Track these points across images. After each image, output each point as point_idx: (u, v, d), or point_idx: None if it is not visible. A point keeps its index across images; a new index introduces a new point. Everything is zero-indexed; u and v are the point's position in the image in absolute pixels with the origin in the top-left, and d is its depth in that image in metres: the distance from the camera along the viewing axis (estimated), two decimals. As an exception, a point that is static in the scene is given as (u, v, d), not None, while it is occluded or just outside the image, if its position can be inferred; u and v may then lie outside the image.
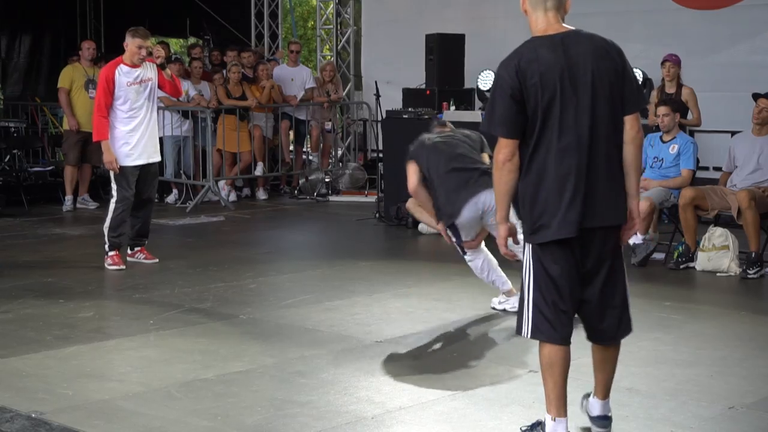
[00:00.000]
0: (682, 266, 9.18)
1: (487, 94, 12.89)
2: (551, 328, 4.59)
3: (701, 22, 13.07)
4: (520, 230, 4.75)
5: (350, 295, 8.00)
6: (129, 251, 9.51)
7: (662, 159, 9.72)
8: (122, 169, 9.23)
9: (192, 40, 19.78)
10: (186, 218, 12.68)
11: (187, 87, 14.07)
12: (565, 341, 4.60)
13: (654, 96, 11.10)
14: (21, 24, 19.44)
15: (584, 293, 4.61)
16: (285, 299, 7.72)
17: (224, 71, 14.69)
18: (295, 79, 15.15)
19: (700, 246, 9.12)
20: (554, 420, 4.61)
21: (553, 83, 4.42)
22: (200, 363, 6.17)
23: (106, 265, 9.20)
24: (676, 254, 9.28)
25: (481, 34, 14.62)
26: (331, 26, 18.04)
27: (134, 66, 9.28)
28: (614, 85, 4.49)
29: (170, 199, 14.24)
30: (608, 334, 4.73)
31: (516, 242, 4.82)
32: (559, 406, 4.62)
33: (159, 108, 13.56)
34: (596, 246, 4.54)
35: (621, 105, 4.53)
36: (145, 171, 9.36)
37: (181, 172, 14.17)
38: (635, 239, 9.37)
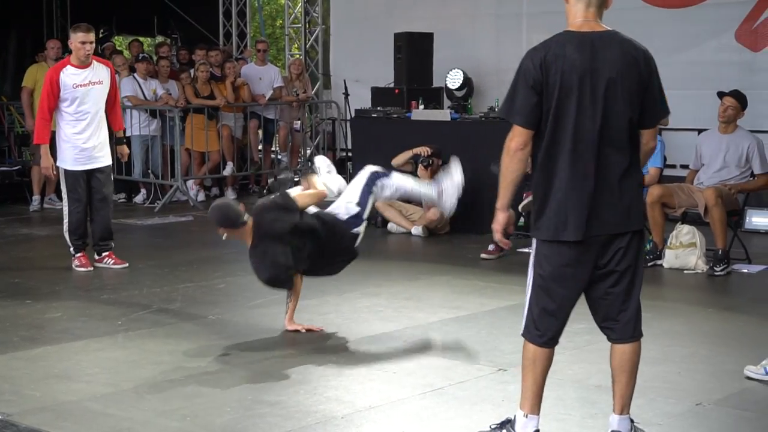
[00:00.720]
0: (649, 264, 9.22)
1: (456, 93, 12.93)
2: (536, 330, 4.62)
3: (668, 21, 13.13)
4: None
5: (320, 294, 7.98)
6: (96, 256, 9.35)
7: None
8: (71, 173, 9.07)
9: (159, 38, 19.70)
10: (154, 218, 12.63)
11: (154, 86, 14.02)
12: (547, 345, 4.62)
13: None
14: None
15: (600, 289, 4.63)
16: (254, 299, 7.69)
17: (191, 70, 14.64)
18: (263, 78, 15.12)
19: (668, 244, 9.18)
20: (526, 416, 4.62)
21: (572, 83, 4.40)
22: (169, 363, 6.15)
23: (73, 266, 9.13)
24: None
25: (450, 33, 14.64)
26: (300, 25, 18.02)
27: (82, 66, 9.04)
28: (635, 94, 4.45)
29: (138, 198, 14.18)
30: (628, 329, 4.75)
31: (510, 232, 4.81)
32: (534, 404, 4.63)
33: (126, 107, 13.61)
34: (608, 250, 4.53)
35: (639, 115, 4.48)
36: (94, 174, 9.17)
37: (149, 171, 14.11)
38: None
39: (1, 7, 18.67)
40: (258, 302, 7.66)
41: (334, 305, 7.67)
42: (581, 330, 6.84)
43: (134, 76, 13.99)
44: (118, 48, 18.67)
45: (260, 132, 15.23)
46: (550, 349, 4.64)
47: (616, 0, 13.98)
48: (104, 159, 9.24)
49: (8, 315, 7.39)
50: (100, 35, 20.02)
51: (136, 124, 13.80)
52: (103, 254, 9.34)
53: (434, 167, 11.11)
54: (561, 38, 4.53)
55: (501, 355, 6.29)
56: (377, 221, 11.66)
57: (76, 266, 9.13)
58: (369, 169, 7.41)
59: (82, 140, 9.06)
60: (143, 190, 14.23)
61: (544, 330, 4.62)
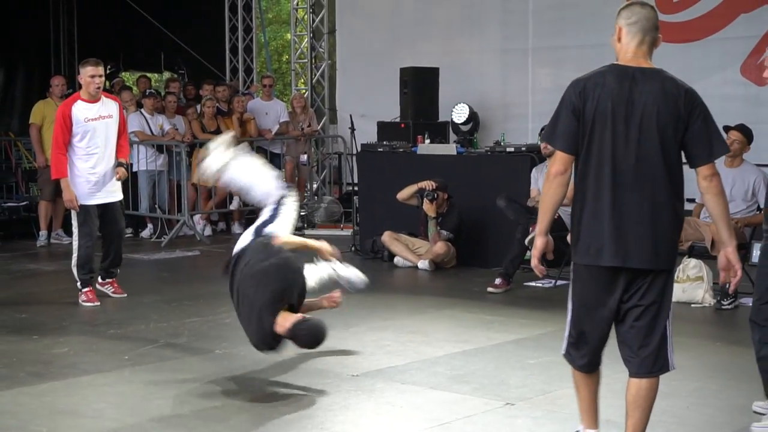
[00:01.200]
0: (656, 297, 9.19)
1: (462, 127, 12.98)
2: (575, 352, 4.75)
3: (673, 55, 13.14)
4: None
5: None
6: (99, 280, 9.42)
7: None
8: (83, 207, 9.09)
9: (166, 74, 19.79)
10: (161, 253, 12.64)
11: (161, 121, 14.07)
12: (585, 369, 4.75)
13: None
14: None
15: (626, 322, 4.69)
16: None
17: (198, 105, 14.70)
18: (269, 112, 15.18)
19: (675, 277, 9.14)
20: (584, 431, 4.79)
21: (607, 114, 4.50)
22: (176, 398, 6.14)
23: (80, 301, 9.14)
24: (650, 286, 9.30)
25: (456, 68, 14.71)
26: (306, 60, 18.10)
27: (92, 101, 9.10)
28: (672, 130, 4.53)
29: (145, 233, 14.20)
30: (647, 364, 4.74)
31: (550, 258, 4.86)
32: (589, 419, 4.84)
33: (133, 142, 13.65)
34: (633, 284, 4.59)
35: (678, 152, 4.60)
36: (107, 209, 9.22)
37: (156, 206, 14.14)
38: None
39: (9, 44, 18.80)
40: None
41: (340, 339, 7.65)
42: (589, 364, 6.83)
43: (141, 112, 14.05)
44: (127, 84, 18.75)
45: (267, 166, 15.23)
46: (589, 373, 4.76)
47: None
48: (116, 193, 9.32)
49: (15, 350, 7.38)
50: (108, 71, 20.15)
51: (143, 159, 13.85)
52: (107, 280, 9.42)
53: (439, 201, 11.13)
54: (604, 69, 4.67)
55: (508, 389, 6.27)
56: (384, 255, 11.67)
57: (83, 301, 9.13)
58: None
59: (94, 174, 9.10)
60: (150, 225, 14.26)
61: (581, 354, 4.73)
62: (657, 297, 4.63)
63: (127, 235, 14.03)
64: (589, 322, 4.68)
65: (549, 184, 4.62)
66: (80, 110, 9.06)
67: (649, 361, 4.71)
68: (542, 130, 10.55)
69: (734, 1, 12.70)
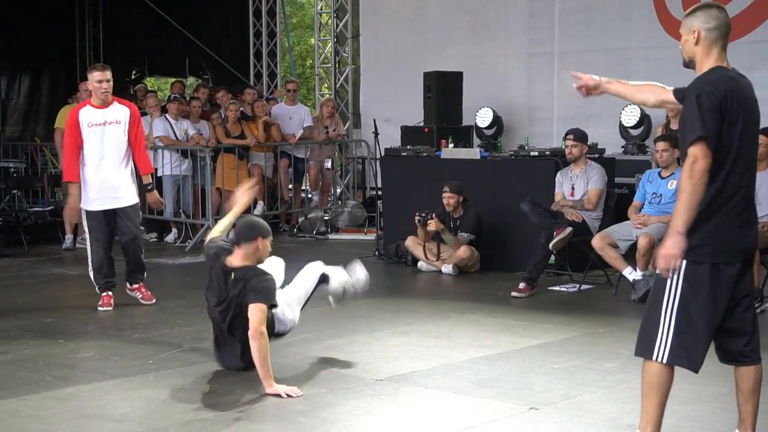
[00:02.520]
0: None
1: (486, 131, 12.97)
2: (688, 355, 4.70)
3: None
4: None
5: (350, 333, 7.98)
6: (128, 285, 9.43)
7: (661, 195, 9.73)
8: (91, 213, 9.09)
9: (191, 79, 19.88)
10: (185, 257, 12.68)
11: (186, 126, 14.12)
12: (698, 369, 4.76)
13: (659, 132, 11.16)
14: (20, 65, 19.55)
15: (734, 318, 4.78)
16: (284, 338, 7.69)
17: (222, 110, 14.74)
18: (293, 117, 15.21)
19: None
20: None
21: (740, 115, 4.62)
22: (200, 403, 6.15)
23: (97, 307, 9.13)
24: (677, 290, 9.25)
25: (480, 72, 14.70)
26: (330, 65, 18.12)
27: (101, 106, 9.05)
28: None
29: (170, 238, 14.24)
30: (754, 355, 4.87)
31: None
32: (656, 425, 4.80)
33: (157, 147, 13.71)
34: (749, 271, 4.78)
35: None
36: (118, 214, 9.16)
37: (181, 211, 14.18)
38: (635, 275, 9.38)
39: (35, 50, 18.93)
40: (289, 341, 7.66)
41: (364, 344, 7.65)
42: (614, 369, 6.81)
43: (166, 117, 14.10)
44: (151, 89, 18.84)
45: (291, 171, 15.29)
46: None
47: (648, 39, 14.18)
48: (126, 199, 9.18)
49: (41, 354, 7.42)
50: (133, 77, 20.28)
51: (168, 164, 13.90)
52: (134, 285, 9.41)
53: (453, 204, 11.12)
54: (724, 72, 4.70)
55: (532, 393, 6.25)
56: (408, 259, 11.66)
57: (99, 306, 9.12)
58: (318, 269, 7.42)
59: (99, 180, 9.06)
60: (174, 230, 14.30)
61: (698, 356, 4.77)
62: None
63: (151, 240, 14.20)
64: (709, 318, 4.72)
65: (700, 182, 4.56)
66: (86, 115, 9.05)
67: (757, 346, 4.88)
68: (567, 134, 10.53)
69: (762, 3, 12.64)
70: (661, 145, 9.88)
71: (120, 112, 9.17)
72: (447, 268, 11.12)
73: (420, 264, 11.43)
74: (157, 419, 5.81)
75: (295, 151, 15.05)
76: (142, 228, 9.65)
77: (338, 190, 16.44)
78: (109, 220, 9.15)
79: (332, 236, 14.53)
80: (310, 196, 16.08)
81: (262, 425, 5.73)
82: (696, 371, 4.74)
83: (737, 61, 14.18)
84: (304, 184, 15.94)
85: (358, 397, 6.23)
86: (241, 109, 14.69)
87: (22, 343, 7.78)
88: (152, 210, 13.57)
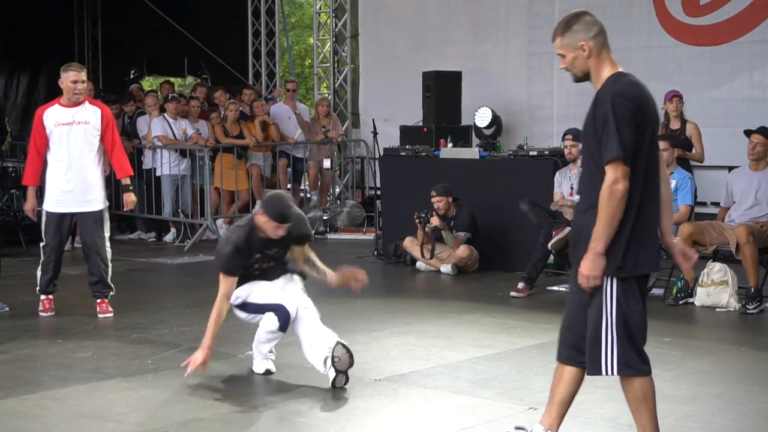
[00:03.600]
0: (681, 302, 9.17)
1: (485, 131, 12.95)
2: (636, 362, 4.65)
3: (699, 58, 13.15)
4: None
5: (348, 333, 7.95)
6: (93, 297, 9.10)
7: (660, 194, 9.71)
8: (50, 214, 8.82)
9: (190, 79, 19.87)
10: (184, 257, 12.67)
11: (184, 125, 14.11)
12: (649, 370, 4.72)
13: (658, 132, 11.15)
14: (19, 64, 19.53)
15: None
16: (283, 337, 7.68)
17: (221, 109, 14.74)
18: (292, 117, 15.20)
19: (699, 281, 9.12)
20: None
21: (651, 124, 4.60)
22: (198, 403, 6.15)
23: (38, 311, 8.91)
24: (675, 290, 9.27)
25: (479, 72, 14.70)
26: (329, 64, 18.12)
27: (71, 105, 8.81)
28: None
29: (168, 237, 14.24)
30: None
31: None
32: None
33: (156, 147, 13.71)
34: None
35: None
36: (81, 219, 8.91)
37: (179, 210, 14.18)
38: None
39: (33, 49, 18.92)
40: (287, 341, 7.64)
41: (363, 344, 7.65)
42: (612, 369, 6.80)
43: (164, 116, 14.09)
44: (149, 88, 18.82)
45: (289, 171, 15.29)
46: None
47: (650, 38, 14.14)
48: (92, 204, 8.84)
49: (39, 354, 7.41)
50: (131, 76, 20.27)
51: (166, 164, 13.90)
52: (97, 300, 8.99)
53: (444, 204, 11.11)
54: (630, 79, 4.65)
55: (531, 393, 6.25)
56: (406, 259, 11.66)
57: (39, 311, 8.90)
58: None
59: (63, 182, 8.76)
60: (173, 229, 14.30)
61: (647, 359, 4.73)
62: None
63: (150, 240, 14.21)
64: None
65: (621, 202, 4.48)
66: (53, 114, 8.80)
67: None
68: (566, 134, 10.51)
69: (762, 3, 12.63)
70: (660, 144, 9.84)
71: (90, 112, 8.89)
72: (446, 268, 11.12)
73: (418, 264, 11.43)
74: (156, 419, 5.80)
75: (294, 150, 15.04)
76: (107, 237, 9.04)
77: (337, 190, 16.44)
78: (66, 223, 8.92)
79: (331, 236, 14.53)
80: (308, 195, 16.08)
81: (261, 425, 5.73)
82: (649, 373, 4.70)
83: (737, 61, 14.30)
84: (302, 184, 15.93)
85: (357, 397, 6.22)
86: (240, 108, 14.68)
87: (20, 343, 7.78)
88: (151, 209, 13.66)
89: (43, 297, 8.99)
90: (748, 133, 9.45)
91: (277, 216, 6.50)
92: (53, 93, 19.51)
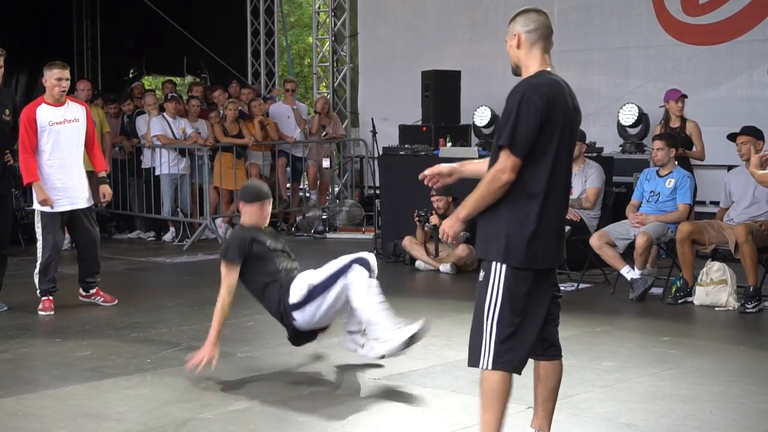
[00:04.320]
0: (680, 301, 9.17)
1: (484, 130, 12.95)
2: (511, 359, 4.69)
3: (699, 58, 13.15)
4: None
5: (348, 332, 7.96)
6: (83, 293, 9.23)
7: (659, 193, 9.73)
8: (47, 214, 8.82)
9: (189, 78, 19.87)
10: (183, 256, 12.67)
11: (184, 125, 14.11)
12: (519, 370, 4.78)
13: (657, 131, 11.18)
14: (17, 63, 19.51)
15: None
16: (283, 337, 7.68)
17: (220, 109, 14.74)
18: (291, 116, 15.20)
19: (698, 281, 9.12)
20: None
21: (562, 122, 4.60)
22: (198, 402, 6.15)
23: (38, 310, 8.91)
24: (674, 289, 9.28)
25: (478, 71, 14.71)
26: (328, 64, 18.12)
27: (57, 104, 8.85)
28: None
29: (167, 237, 14.24)
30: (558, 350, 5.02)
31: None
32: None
33: (155, 146, 13.71)
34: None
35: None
36: (75, 216, 8.97)
37: (178, 210, 14.18)
38: (633, 274, 9.38)
39: (32, 49, 18.90)
40: (287, 340, 7.66)
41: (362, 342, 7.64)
42: (611, 368, 6.81)
43: (164, 116, 14.09)
44: (149, 87, 18.83)
45: (288, 170, 15.29)
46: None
47: (647, 38, 14.12)
48: (86, 199, 9.01)
49: (38, 353, 7.42)
50: (130, 75, 20.29)
51: (166, 163, 13.90)
52: (91, 291, 9.19)
53: (444, 204, 11.12)
54: (550, 77, 4.68)
55: (530, 392, 6.21)
56: (405, 259, 11.66)
57: (39, 310, 8.91)
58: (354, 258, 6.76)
59: (60, 180, 8.84)
60: (172, 229, 14.30)
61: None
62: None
63: (149, 239, 14.21)
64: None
65: (500, 189, 4.56)
66: (44, 113, 8.82)
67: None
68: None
69: (761, 3, 12.65)
70: (657, 143, 9.88)
71: (77, 110, 9.01)
72: (445, 267, 11.12)
73: (418, 263, 11.43)
74: (155, 418, 5.80)
75: (293, 150, 15.05)
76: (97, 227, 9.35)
77: (336, 189, 16.44)
78: (63, 222, 8.99)
79: (330, 235, 14.53)
80: (308, 195, 16.08)
81: (261, 424, 5.72)
82: (519, 374, 4.75)
83: (736, 60, 14.33)
84: (301, 183, 15.93)
85: (356, 396, 6.23)
86: (240, 108, 14.68)
87: (19, 342, 7.78)
88: (150, 209, 13.66)
89: (44, 297, 9.00)
90: (732, 137, 9.44)
91: (258, 194, 6.88)
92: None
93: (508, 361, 4.65)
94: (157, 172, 14.05)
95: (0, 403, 6.10)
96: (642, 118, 12.32)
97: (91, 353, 7.47)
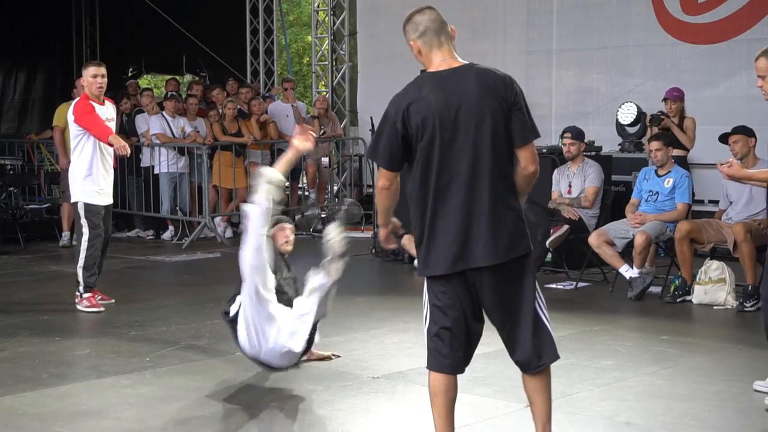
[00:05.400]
0: (678, 300, 9.18)
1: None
2: (437, 359, 4.74)
3: (698, 57, 13.16)
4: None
5: (347, 331, 7.98)
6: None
7: (657, 193, 9.74)
8: (92, 207, 8.95)
9: (188, 77, 19.88)
10: (182, 255, 12.67)
11: (183, 123, 14.11)
12: (446, 370, 4.75)
13: (650, 133, 11.19)
14: (16, 62, 19.54)
15: (494, 323, 4.80)
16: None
17: (219, 107, 14.74)
18: (290, 115, 15.20)
19: (697, 279, 9.13)
20: None
21: (432, 124, 4.51)
22: (197, 400, 6.15)
23: (81, 307, 8.91)
24: (672, 288, 9.28)
25: (476, 70, 14.68)
26: (327, 62, 18.12)
27: (100, 103, 8.95)
28: (499, 120, 4.52)
29: (166, 235, 14.24)
30: (523, 363, 4.79)
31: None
32: None
33: (154, 145, 13.73)
34: (488, 282, 4.62)
35: (509, 140, 4.57)
36: (107, 211, 9.15)
37: (177, 208, 14.18)
38: (632, 273, 9.38)
39: (31, 47, 18.92)
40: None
41: (361, 342, 7.66)
42: (610, 366, 6.82)
43: (163, 114, 14.09)
44: (147, 86, 18.84)
45: (288, 168, 15.27)
46: (451, 376, 4.83)
47: (646, 37, 14.08)
48: (111, 196, 9.24)
49: (37, 352, 7.41)
50: (129, 74, 20.28)
51: (164, 162, 13.89)
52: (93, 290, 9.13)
53: None
54: (418, 82, 4.66)
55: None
56: (404, 257, 11.67)
57: (86, 307, 8.91)
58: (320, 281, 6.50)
59: (102, 175, 9.00)
60: (171, 227, 14.29)
61: (445, 357, 4.83)
62: (525, 283, 4.74)
63: (148, 237, 14.22)
64: (450, 324, 4.83)
65: (379, 197, 4.77)
66: (98, 109, 8.92)
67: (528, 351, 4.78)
68: (564, 132, 10.51)
69: (760, 2, 12.66)
70: (654, 144, 9.88)
71: (111, 110, 9.19)
72: (444, 266, 11.10)
73: (416, 262, 11.42)
74: (154, 417, 5.80)
75: (292, 148, 15.02)
76: None
77: (335, 188, 16.44)
78: (104, 215, 9.10)
79: (329, 234, 14.50)
80: (307, 193, 16.08)
81: (260, 423, 5.73)
82: (449, 373, 4.76)
83: (735, 58, 14.31)
84: (301, 182, 15.93)
85: (355, 395, 6.23)
86: (239, 106, 14.68)
87: (18, 341, 7.78)
88: (149, 207, 13.67)
89: (88, 294, 8.98)
90: (723, 139, 9.44)
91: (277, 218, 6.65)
92: (51, 91, 19.61)
93: (431, 361, 4.84)
94: (156, 171, 14.05)
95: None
96: (641, 117, 12.32)
97: (90, 352, 7.48)
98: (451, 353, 4.70)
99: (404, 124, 4.51)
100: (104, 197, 9.06)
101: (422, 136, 4.50)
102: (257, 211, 6.13)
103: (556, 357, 4.74)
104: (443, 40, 4.66)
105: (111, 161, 9.13)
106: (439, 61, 4.64)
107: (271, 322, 6.22)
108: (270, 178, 6.18)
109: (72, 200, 9.11)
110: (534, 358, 4.69)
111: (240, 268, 6.25)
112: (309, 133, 6.54)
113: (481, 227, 4.54)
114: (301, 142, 6.45)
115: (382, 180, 4.67)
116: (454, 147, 4.50)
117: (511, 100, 4.53)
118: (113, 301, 9.21)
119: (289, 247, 6.86)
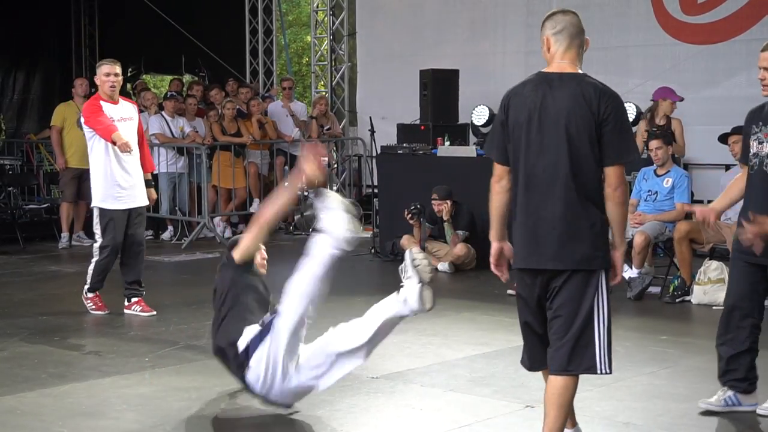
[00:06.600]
0: (678, 300, 9.18)
1: (482, 129, 12.98)
2: (523, 355, 4.98)
3: (697, 57, 13.16)
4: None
5: (346, 331, 7.97)
6: (126, 302, 8.92)
7: (656, 192, 9.74)
8: (107, 212, 8.67)
9: (187, 77, 19.87)
10: (181, 255, 12.67)
11: (182, 123, 14.11)
12: (529, 367, 4.95)
13: (642, 126, 11.19)
14: (15, 61, 19.54)
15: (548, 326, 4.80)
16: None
17: (218, 107, 14.74)
18: (289, 115, 15.20)
19: (696, 279, 9.13)
20: None
21: (523, 121, 4.62)
22: (196, 400, 6.15)
23: (88, 309, 8.83)
24: (671, 288, 9.28)
25: (476, 70, 14.70)
26: (326, 62, 18.11)
27: (114, 102, 8.72)
28: (583, 131, 4.54)
29: (165, 235, 14.23)
30: (549, 359, 4.78)
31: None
32: None
33: (153, 145, 13.71)
34: (554, 283, 4.68)
35: (594, 153, 4.57)
36: (134, 214, 8.83)
37: (177, 208, 14.18)
38: (631, 273, 9.38)
39: (30, 47, 18.91)
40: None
41: (360, 342, 7.65)
42: (609, 367, 6.81)
43: (162, 114, 14.10)
44: (147, 86, 18.84)
45: (287, 169, 15.28)
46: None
47: (646, 37, 14.11)
48: (142, 198, 8.87)
49: (37, 352, 7.41)
50: (129, 73, 20.28)
51: (164, 162, 13.89)
52: (133, 300, 8.90)
53: (448, 207, 11.14)
54: (529, 78, 4.74)
55: (528, 391, 6.26)
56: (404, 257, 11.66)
57: (90, 308, 8.84)
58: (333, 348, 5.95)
59: (121, 177, 8.69)
60: (170, 227, 14.29)
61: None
62: (585, 297, 4.66)
63: (147, 237, 14.18)
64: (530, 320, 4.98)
65: (490, 194, 4.85)
66: (107, 109, 8.68)
67: (563, 359, 4.71)
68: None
69: (759, 2, 12.66)
70: (654, 143, 9.88)
71: (129, 109, 8.91)
72: (443, 266, 11.12)
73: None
74: (153, 417, 5.80)
75: (292, 148, 15.03)
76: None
77: (334, 188, 16.43)
78: (125, 221, 8.76)
79: (328, 234, 14.50)
80: (305, 193, 16.05)
81: (259, 423, 5.73)
82: (529, 369, 4.95)
83: (734, 59, 14.32)
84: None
85: (355, 395, 6.23)
86: (238, 107, 14.68)
87: (17, 341, 7.78)
88: (148, 207, 13.63)
89: (92, 295, 8.86)
90: (723, 138, 9.44)
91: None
92: (50, 91, 19.59)
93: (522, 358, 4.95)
94: (155, 171, 14.01)
95: (-1, 402, 6.12)
96: (640, 117, 12.32)
97: (89, 352, 7.47)
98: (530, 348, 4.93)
99: (506, 114, 4.69)
100: (125, 201, 8.72)
101: (513, 129, 4.67)
102: (348, 238, 6.14)
103: (589, 371, 4.74)
104: (573, 45, 4.72)
105: (134, 160, 8.75)
106: (556, 64, 4.71)
107: (293, 356, 5.76)
108: (348, 208, 6.15)
109: (92, 204, 8.89)
110: (564, 360, 4.69)
111: (281, 297, 5.91)
112: (320, 157, 6.28)
113: (547, 231, 4.62)
114: (310, 168, 6.33)
115: (493, 175, 4.81)
116: (535, 148, 4.61)
117: (603, 116, 4.55)
118: (154, 313, 8.84)
119: (264, 270, 6.53)
